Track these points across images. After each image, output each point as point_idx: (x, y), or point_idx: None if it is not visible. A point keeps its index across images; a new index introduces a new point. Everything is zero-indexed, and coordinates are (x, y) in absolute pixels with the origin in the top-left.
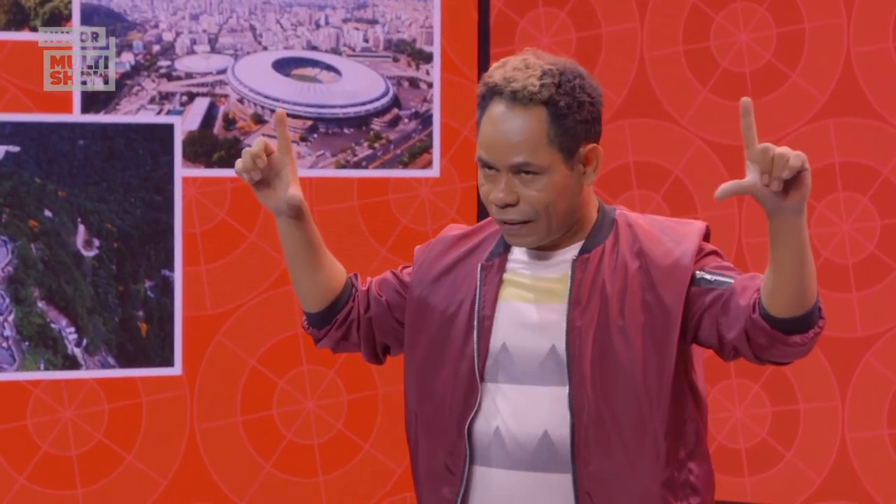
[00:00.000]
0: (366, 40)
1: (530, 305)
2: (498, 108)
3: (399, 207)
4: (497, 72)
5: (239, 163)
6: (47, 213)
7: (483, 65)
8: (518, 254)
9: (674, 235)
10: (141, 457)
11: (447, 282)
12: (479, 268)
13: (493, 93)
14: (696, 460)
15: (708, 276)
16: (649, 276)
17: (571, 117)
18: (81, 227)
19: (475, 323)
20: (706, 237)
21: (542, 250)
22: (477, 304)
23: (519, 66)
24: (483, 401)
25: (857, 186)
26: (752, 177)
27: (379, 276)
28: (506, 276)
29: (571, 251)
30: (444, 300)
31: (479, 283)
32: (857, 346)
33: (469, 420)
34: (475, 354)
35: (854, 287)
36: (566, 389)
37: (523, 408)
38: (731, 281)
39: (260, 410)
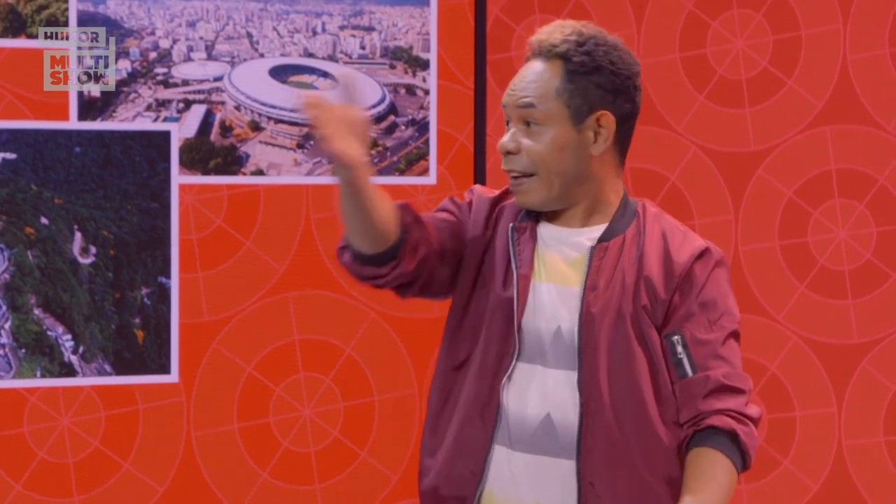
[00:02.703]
0: (362, 47)
1: (548, 284)
2: (529, 62)
3: None
4: (536, 34)
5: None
6: (44, 220)
7: (480, 72)
8: (543, 228)
9: (669, 258)
10: (138, 464)
11: (494, 242)
12: (510, 229)
13: (529, 52)
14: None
15: (678, 348)
16: (661, 273)
17: (586, 77)
18: (78, 235)
19: (514, 285)
20: (709, 265)
21: (562, 225)
22: (514, 265)
23: (557, 25)
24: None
25: (853, 193)
26: None
27: (432, 214)
28: (538, 247)
29: (590, 234)
30: (489, 260)
31: (511, 244)
32: (853, 353)
33: (501, 389)
34: (514, 319)
35: (850, 294)
36: (575, 374)
37: (525, 388)
38: (689, 374)
39: (256, 418)
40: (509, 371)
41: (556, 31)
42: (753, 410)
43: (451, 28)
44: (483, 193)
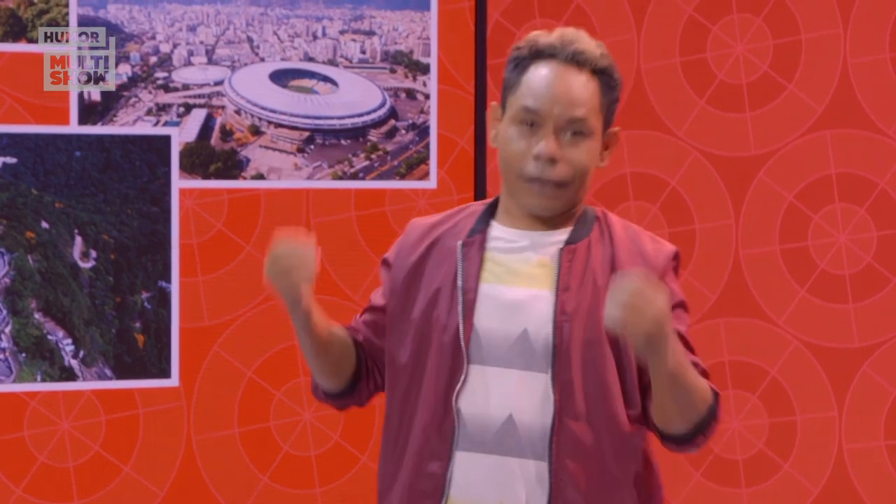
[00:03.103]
0: (363, 52)
1: (508, 287)
2: (552, 65)
3: (396, 219)
4: (544, 38)
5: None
6: (44, 224)
7: (480, 76)
8: (498, 231)
9: (646, 257)
10: (138, 468)
11: (427, 266)
12: (459, 245)
13: (543, 54)
14: (650, 467)
15: None
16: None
17: (614, 94)
18: (78, 239)
19: (459, 300)
20: (674, 267)
21: (526, 228)
22: (460, 281)
23: (572, 34)
24: (467, 380)
25: (853, 198)
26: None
27: (361, 317)
28: (486, 254)
29: (555, 237)
30: (426, 283)
31: (459, 260)
32: (854, 357)
33: (455, 398)
34: (460, 333)
35: (851, 298)
36: (544, 376)
37: (487, 390)
38: None
39: (257, 422)
40: (462, 378)
41: (589, 43)
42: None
43: (452, 33)
44: (401, 251)
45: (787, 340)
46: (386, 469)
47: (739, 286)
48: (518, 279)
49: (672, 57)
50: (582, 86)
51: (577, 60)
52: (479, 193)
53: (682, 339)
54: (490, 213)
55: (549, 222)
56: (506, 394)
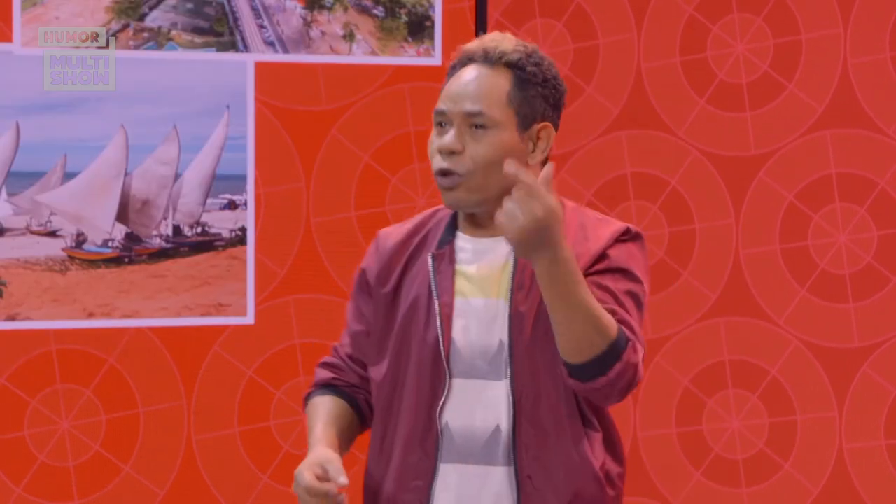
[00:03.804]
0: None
1: (480, 300)
2: (467, 68)
3: (396, 218)
4: (469, 45)
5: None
6: None
7: None
8: (463, 241)
9: (590, 234)
10: (138, 468)
11: (406, 279)
12: (430, 258)
13: (465, 59)
14: (610, 451)
15: None
16: (579, 258)
17: (534, 88)
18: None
19: (436, 314)
20: (624, 240)
21: (480, 235)
22: (434, 294)
23: (491, 36)
24: (450, 393)
25: (853, 197)
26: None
27: (344, 344)
28: (457, 267)
29: None
30: (405, 297)
31: (432, 273)
32: (854, 357)
33: (438, 411)
34: (440, 346)
35: (851, 298)
36: (508, 381)
37: (473, 403)
38: None
39: (257, 421)
40: (444, 394)
41: (504, 40)
42: (637, 354)
43: (452, 33)
44: (380, 267)
45: (787, 340)
46: (370, 480)
47: (739, 286)
48: (489, 289)
49: (672, 56)
50: (483, 80)
51: (488, 59)
52: None
53: (610, 293)
54: (455, 221)
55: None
56: (491, 405)
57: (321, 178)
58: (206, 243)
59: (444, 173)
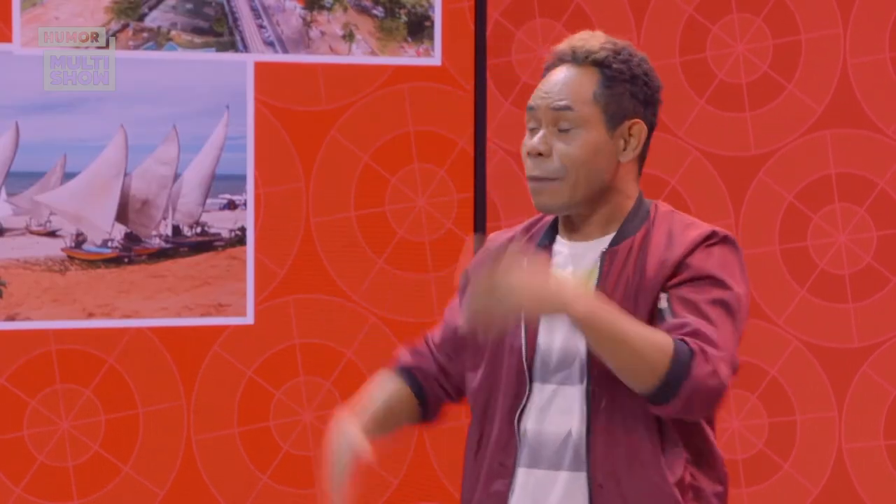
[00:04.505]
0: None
1: None
2: (556, 69)
3: (396, 219)
4: (559, 45)
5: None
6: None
7: (480, 76)
8: (560, 245)
9: (675, 241)
10: (138, 468)
11: None
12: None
13: (556, 60)
14: (703, 468)
15: (663, 304)
16: (651, 277)
17: (622, 85)
18: None
19: (522, 318)
20: (710, 245)
21: (576, 239)
22: None
23: (580, 35)
24: (530, 398)
25: (853, 197)
26: None
27: (434, 334)
28: (552, 271)
29: (603, 242)
30: None
31: None
32: (853, 357)
33: (518, 416)
34: (523, 351)
35: (851, 298)
36: (584, 386)
37: (547, 407)
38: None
39: (257, 421)
40: (525, 398)
41: (591, 39)
42: (725, 369)
43: (452, 32)
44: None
45: (786, 340)
46: (465, 487)
47: None
48: None
49: (672, 57)
50: (571, 78)
51: (575, 58)
52: (479, 194)
53: (692, 305)
54: (556, 225)
55: (599, 228)
56: (566, 410)
57: (321, 179)
58: (205, 243)
59: (534, 178)
